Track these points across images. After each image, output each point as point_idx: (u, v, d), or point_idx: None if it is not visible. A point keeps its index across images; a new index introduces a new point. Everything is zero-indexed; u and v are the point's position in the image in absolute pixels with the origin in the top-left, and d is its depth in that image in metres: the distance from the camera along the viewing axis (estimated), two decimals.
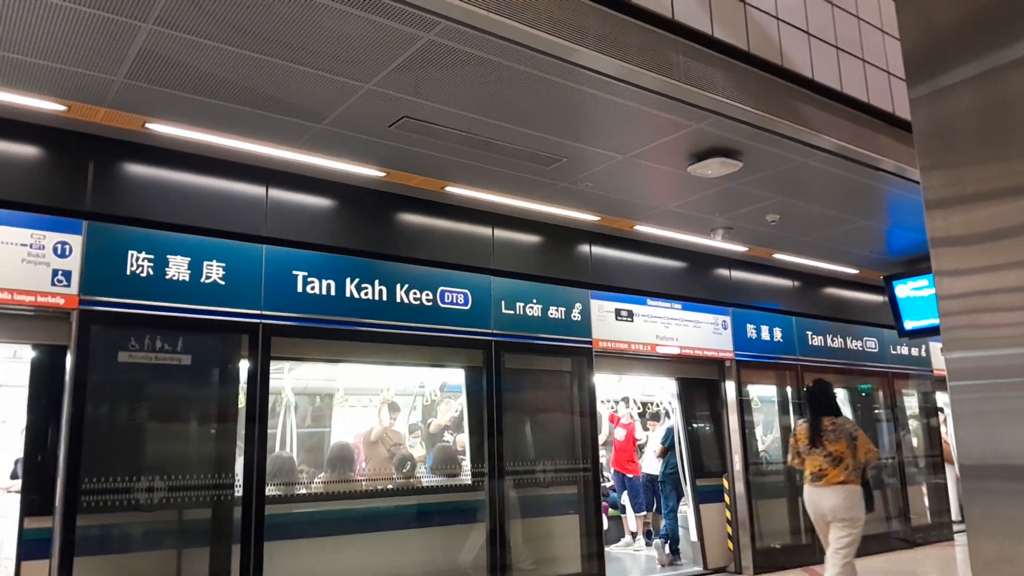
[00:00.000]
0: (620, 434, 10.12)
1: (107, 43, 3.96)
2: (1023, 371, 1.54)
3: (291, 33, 3.93)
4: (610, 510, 10.00)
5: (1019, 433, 1.54)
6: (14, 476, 7.06)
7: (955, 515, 10.72)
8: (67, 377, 4.76)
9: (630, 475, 9.88)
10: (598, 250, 7.56)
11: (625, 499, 9.89)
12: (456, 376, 7.25)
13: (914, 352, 10.77)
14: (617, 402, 10.98)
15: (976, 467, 1.61)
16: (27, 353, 4.99)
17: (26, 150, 4.86)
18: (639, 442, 10.12)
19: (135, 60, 4.14)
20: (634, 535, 9.91)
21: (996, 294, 1.61)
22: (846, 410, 10.25)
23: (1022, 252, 1.56)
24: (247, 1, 3.65)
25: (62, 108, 4.66)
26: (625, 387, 10.85)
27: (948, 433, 11.46)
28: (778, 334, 8.99)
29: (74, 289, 4.78)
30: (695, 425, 8.52)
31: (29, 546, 4.61)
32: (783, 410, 9.07)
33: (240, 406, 5.31)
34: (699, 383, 8.54)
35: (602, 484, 7.90)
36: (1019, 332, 1.56)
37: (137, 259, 5.02)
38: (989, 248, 1.62)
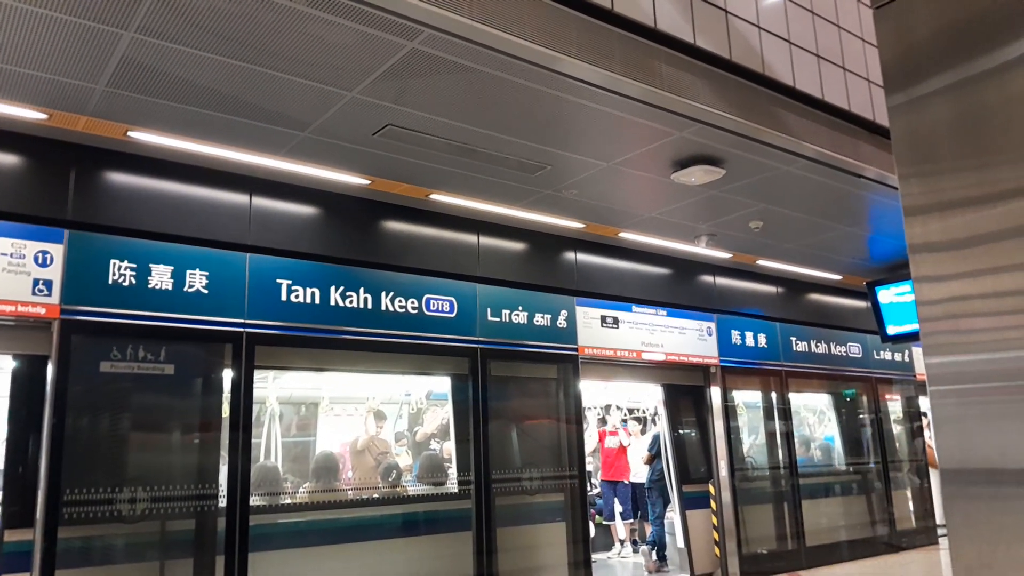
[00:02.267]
0: (613, 442, 10.12)
1: (88, 51, 3.94)
2: (1000, 376, 1.56)
3: (274, 41, 3.93)
4: (597, 517, 10.01)
5: (997, 437, 1.55)
6: None
7: (939, 519, 10.79)
8: (48, 387, 4.71)
9: (624, 481, 9.90)
10: (583, 257, 7.57)
11: (616, 507, 9.90)
12: (442, 384, 7.23)
13: (897, 357, 10.85)
14: (606, 409, 10.98)
15: (956, 471, 1.62)
16: (7, 363, 4.94)
17: (6, 158, 4.82)
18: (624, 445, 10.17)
19: (117, 68, 4.12)
20: (623, 542, 9.92)
21: (973, 299, 1.63)
22: (830, 415, 10.33)
23: (998, 258, 1.58)
24: (230, 9, 3.64)
25: (43, 116, 4.63)
26: (611, 394, 10.86)
27: (931, 437, 11.53)
28: (763, 340, 9.04)
29: (55, 299, 4.74)
30: (681, 431, 8.55)
31: (9, 559, 4.55)
32: (768, 416, 9.11)
33: (224, 416, 5.28)
34: (685, 389, 8.57)
35: (589, 492, 7.90)
36: (996, 337, 1.58)
37: (119, 268, 4.98)
38: (966, 254, 1.64)
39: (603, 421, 10.79)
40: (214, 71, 4.19)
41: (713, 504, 8.30)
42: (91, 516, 4.66)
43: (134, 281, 5.02)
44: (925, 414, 11.49)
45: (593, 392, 10.32)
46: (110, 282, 4.94)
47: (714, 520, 8.29)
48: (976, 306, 1.62)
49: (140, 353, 5.02)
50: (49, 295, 4.72)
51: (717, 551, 8.20)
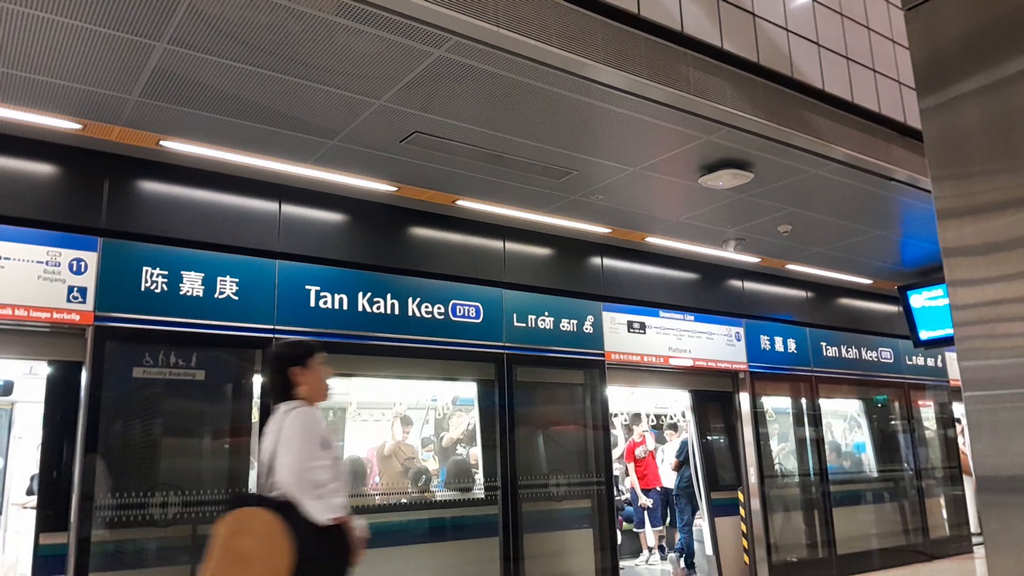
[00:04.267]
0: (642, 451, 10.07)
1: (122, 62, 4.02)
2: None
3: (303, 51, 3.97)
4: (624, 524, 9.96)
5: None
6: (30, 492, 7.12)
7: (974, 527, 10.60)
8: (82, 393, 4.79)
9: (657, 488, 9.85)
10: (610, 262, 7.55)
11: (645, 514, 9.84)
12: (468, 389, 7.24)
13: (930, 362, 10.68)
14: (634, 417, 10.92)
15: (992, 478, 1.59)
16: (43, 369, 5.03)
17: (42, 168, 4.92)
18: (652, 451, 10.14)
19: (150, 79, 4.19)
20: (651, 549, 9.86)
21: (1009, 304, 1.60)
22: (861, 421, 10.19)
23: None
24: (260, 20, 3.69)
25: (77, 126, 4.72)
26: (638, 401, 10.81)
27: (965, 444, 11.35)
28: (792, 345, 8.94)
29: (89, 305, 4.82)
30: (709, 438, 8.47)
31: (44, 562, 4.63)
32: (798, 422, 9.01)
33: (254, 421, 5.33)
34: (713, 395, 8.50)
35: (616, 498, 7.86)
36: None
37: (151, 275, 5.06)
38: (1002, 258, 1.61)
39: (629, 430, 10.72)
40: (245, 81, 4.24)
41: (742, 511, 8.22)
42: (124, 520, 4.72)
43: (166, 288, 5.09)
44: (959, 420, 11.30)
45: (620, 399, 10.28)
46: (142, 289, 5.02)
47: (743, 527, 8.20)
48: (1012, 310, 1.59)
49: (172, 359, 5.08)
50: (83, 302, 4.81)
51: (747, 559, 8.11)
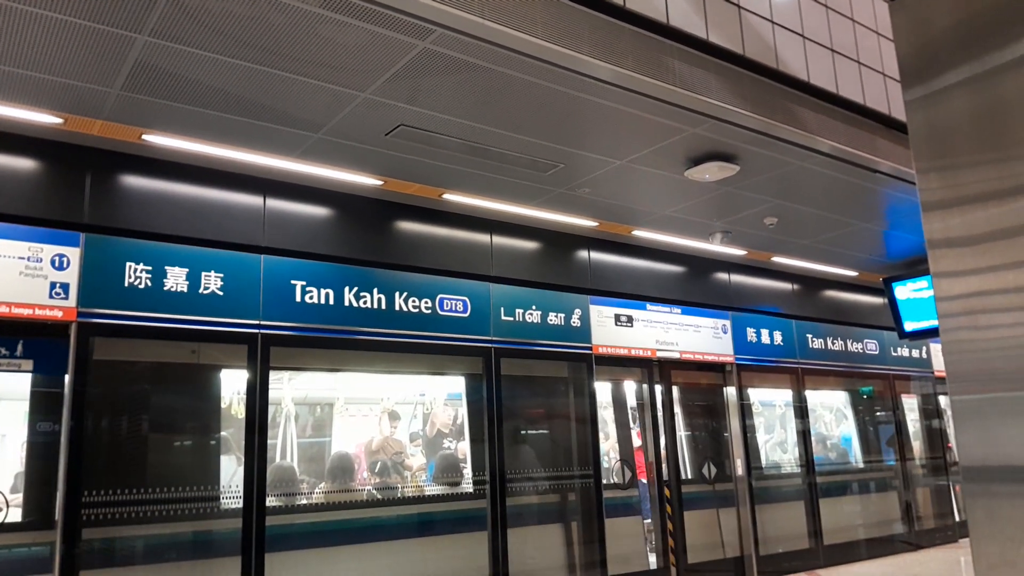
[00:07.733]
0: None
1: (103, 55, 3.97)
2: (1022, 372, 1.54)
3: (287, 43, 3.94)
4: None
5: (1018, 434, 1.53)
6: (15, 490, 7.04)
7: (959, 517, 10.70)
8: (66, 389, 4.74)
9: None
10: (597, 256, 7.55)
11: None
12: (456, 384, 7.23)
13: (915, 354, 10.76)
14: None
15: (977, 469, 1.60)
16: (27, 365, 4.97)
17: (23, 163, 4.85)
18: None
19: (131, 72, 4.14)
20: None
21: (994, 295, 1.60)
22: (847, 413, 10.25)
23: (1019, 253, 1.56)
24: (241, 12, 3.65)
25: (59, 121, 4.66)
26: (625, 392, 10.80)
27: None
28: (778, 337, 8.98)
29: (72, 301, 4.77)
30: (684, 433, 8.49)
31: (31, 561, 4.58)
32: (784, 413, 9.05)
33: (240, 417, 5.30)
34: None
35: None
36: (1017, 332, 1.56)
37: (135, 271, 5.01)
38: (986, 249, 1.62)
39: None
40: (227, 74, 4.20)
41: (669, 508, 7.79)
42: (111, 517, 4.68)
43: (150, 283, 5.05)
44: (945, 411, 11.39)
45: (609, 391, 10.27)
46: (126, 285, 4.97)
47: (670, 525, 7.75)
48: (997, 301, 1.60)
49: (157, 355, 5.04)
50: (66, 298, 4.76)
51: (673, 559, 7.75)
